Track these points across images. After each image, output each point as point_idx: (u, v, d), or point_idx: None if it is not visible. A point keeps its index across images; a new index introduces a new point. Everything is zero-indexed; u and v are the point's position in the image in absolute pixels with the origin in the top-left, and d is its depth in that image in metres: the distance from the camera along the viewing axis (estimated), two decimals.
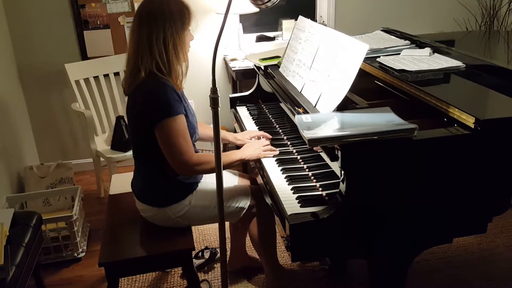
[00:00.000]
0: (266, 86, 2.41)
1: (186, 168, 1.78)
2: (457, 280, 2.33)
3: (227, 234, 2.44)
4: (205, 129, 2.15)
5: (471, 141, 1.43)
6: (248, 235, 2.22)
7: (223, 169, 1.79)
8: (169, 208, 1.88)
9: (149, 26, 1.71)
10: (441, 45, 2.27)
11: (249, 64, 3.09)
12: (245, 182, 2.16)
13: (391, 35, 2.46)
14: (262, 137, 2.08)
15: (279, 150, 1.95)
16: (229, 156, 1.86)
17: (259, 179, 1.87)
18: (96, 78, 3.21)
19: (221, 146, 1.52)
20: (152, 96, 1.72)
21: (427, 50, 2.12)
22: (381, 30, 2.58)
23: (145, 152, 1.87)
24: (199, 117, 2.17)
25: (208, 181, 2.01)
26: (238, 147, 2.09)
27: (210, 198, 1.91)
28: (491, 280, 2.33)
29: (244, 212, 1.98)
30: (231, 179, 2.15)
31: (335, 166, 1.65)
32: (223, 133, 2.13)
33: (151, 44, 1.71)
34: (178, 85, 1.78)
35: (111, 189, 2.31)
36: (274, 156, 1.91)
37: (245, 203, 1.97)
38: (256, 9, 3.15)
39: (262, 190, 1.84)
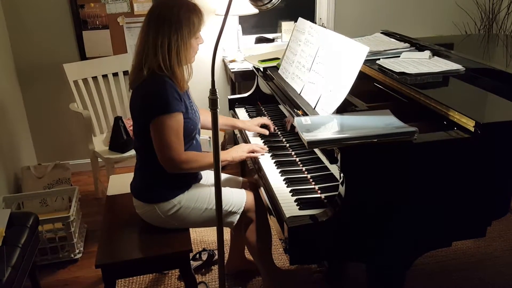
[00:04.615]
0: (265, 88, 2.40)
1: (174, 165, 1.79)
2: (455, 284, 2.33)
3: (227, 237, 2.43)
4: (209, 116, 2.14)
5: (471, 145, 1.43)
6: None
7: (209, 169, 1.91)
8: (158, 206, 1.88)
9: (156, 29, 1.75)
10: (440, 48, 2.27)
11: (248, 66, 3.08)
12: (248, 189, 2.15)
13: (391, 37, 2.46)
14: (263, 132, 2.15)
15: (278, 152, 1.95)
16: None
17: (258, 182, 1.86)
18: (94, 78, 3.20)
19: (219, 145, 1.51)
20: (151, 93, 1.76)
21: (427, 53, 2.12)
22: (381, 33, 2.58)
23: (142, 146, 1.90)
24: None
25: (203, 183, 2.01)
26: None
27: (202, 200, 1.91)
28: (489, 284, 2.32)
29: (237, 217, 1.96)
30: (233, 184, 2.15)
31: (334, 169, 1.64)
32: (233, 121, 2.22)
33: (156, 47, 1.75)
34: (181, 86, 1.80)
35: (108, 190, 2.30)
36: (272, 158, 1.91)
37: (238, 208, 1.95)
38: (256, 11, 3.15)
39: (259, 191, 1.83)
